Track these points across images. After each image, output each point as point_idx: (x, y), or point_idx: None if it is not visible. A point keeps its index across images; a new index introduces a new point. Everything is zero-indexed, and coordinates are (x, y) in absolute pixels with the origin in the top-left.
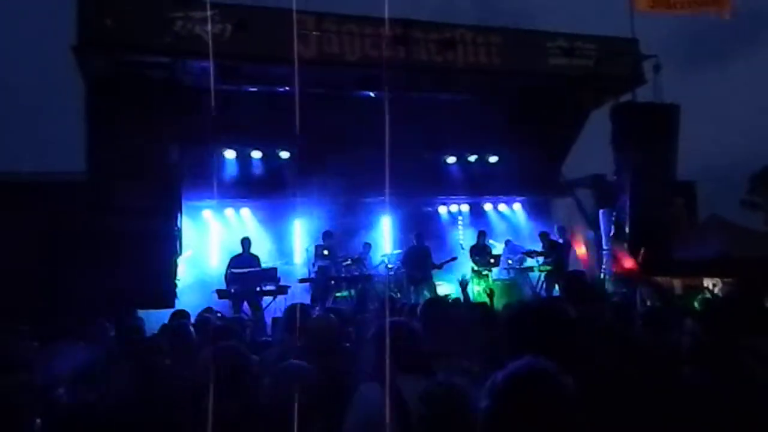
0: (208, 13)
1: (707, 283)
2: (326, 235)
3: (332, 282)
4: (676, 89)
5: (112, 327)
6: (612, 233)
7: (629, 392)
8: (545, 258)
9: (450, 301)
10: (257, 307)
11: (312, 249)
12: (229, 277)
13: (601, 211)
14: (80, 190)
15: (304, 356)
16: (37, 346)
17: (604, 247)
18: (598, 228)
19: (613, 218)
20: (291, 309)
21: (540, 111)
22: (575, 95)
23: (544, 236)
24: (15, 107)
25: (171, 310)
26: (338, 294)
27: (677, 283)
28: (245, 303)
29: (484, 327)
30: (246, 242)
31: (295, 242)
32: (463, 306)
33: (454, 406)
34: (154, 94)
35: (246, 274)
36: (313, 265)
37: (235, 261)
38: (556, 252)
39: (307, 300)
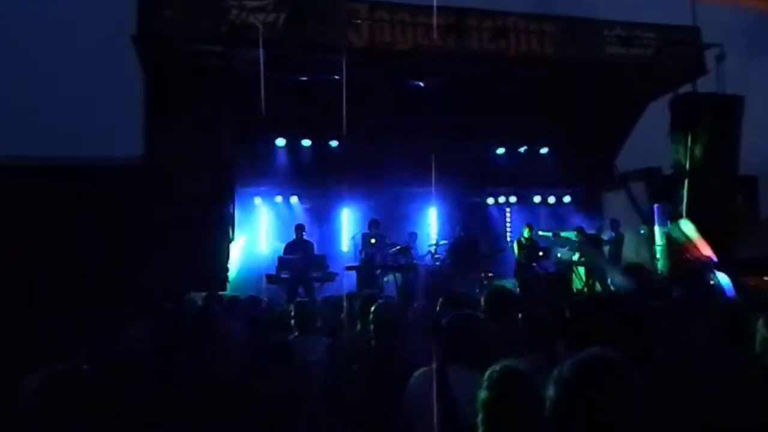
0: (263, 2)
1: None
2: (372, 223)
3: (378, 270)
4: (740, 79)
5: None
6: (668, 227)
7: (692, 389)
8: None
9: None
10: (311, 292)
11: (359, 237)
12: (281, 263)
13: (655, 205)
14: (138, 177)
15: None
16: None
17: (658, 242)
18: (653, 223)
19: (670, 213)
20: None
21: (595, 102)
22: (633, 86)
23: (579, 230)
24: (74, 94)
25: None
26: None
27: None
28: (300, 288)
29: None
30: (300, 229)
31: (343, 230)
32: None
33: (519, 389)
34: (209, 83)
35: (296, 260)
36: (360, 252)
37: (290, 247)
38: (592, 244)
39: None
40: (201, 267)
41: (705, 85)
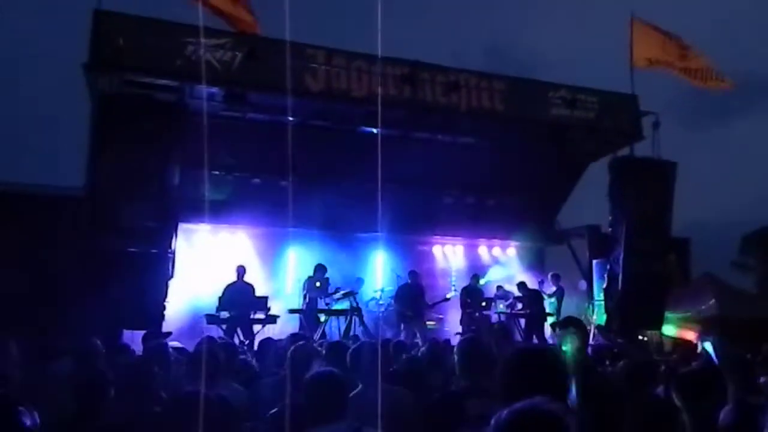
0: (221, 40)
1: (694, 338)
2: (319, 268)
3: (321, 314)
4: (674, 145)
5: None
6: (605, 285)
7: None
8: (525, 305)
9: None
10: (249, 334)
11: (305, 280)
12: (222, 304)
13: (594, 261)
14: (78, 207)
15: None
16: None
17: (596, 298)
18: (591, 278)
19: (607, 270)
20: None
21: (539, 159)
22: (575, 146)
23: (521, 285)
24: (20, 119)
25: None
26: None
27: (668, 341)
28: (238, 329)
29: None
30: (241, 270)
31: (288, 271)
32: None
33: None
34: (159, 116)
35: (236, 301)
36: (305, 296)
37: (229, 289)
38: (533, 299)
39: (296, 330)
40: (138, 303)
41: (642, 149)
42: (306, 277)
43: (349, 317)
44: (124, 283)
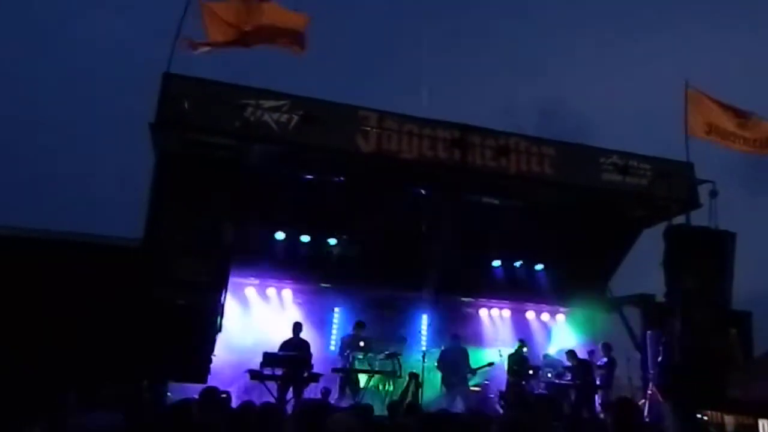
0: (279, 103)
1: (763, 424)
2: (358, 325)
3: (367, 374)
4: (735, 210)
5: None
6: (660, 358)
7: None
8: (573, 376)
9: None
10: (300, 393)
11: (347, 338)
12: (266, 359)
13: (648, 332)
14: (134, 258)
15: None
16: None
17: (650, 370)
18: (645, 349)
19: (662, 342)
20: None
21: (590, 224)
22: (628, 212)
23: (570, 354)
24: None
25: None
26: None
27: (730, 420)
28: (281, 386)
29: None
30: (297, 327)
31: (333, 329)
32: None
33: None
34: (216, 174)
35: (284, 358)
36: (345, 354)
37: (285, 346)
38: (582, 371)
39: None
40: (186, 356)
41: (698, 217)
42: (346, 334)
43: (411, 381)
44: (174, 335)
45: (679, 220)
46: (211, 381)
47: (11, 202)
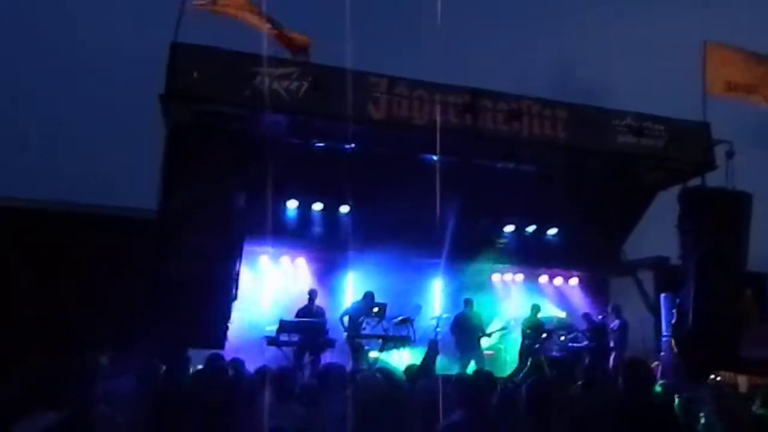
0: (288, 70)
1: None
2: (367, 296)
3: (380, 341)
4: (750, 174)
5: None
6: (674, 320)
7: None
8: (589, 340)
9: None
10: (317, 358)
11: (357, 306)
12: (282, 326)
13: (663, 295)
14: (149, 229)
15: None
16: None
17: (664, 333)
18: (659, 313)
19: (677, 305)
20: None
21: (604, 188)
22: (642, 175)
23: (585, 317)
24: (101, 147)
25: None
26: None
27: (742, 381)
28: (297, 352)
29: None
30: (312, 294)
31: (347, 297)
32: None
33: None
34: (227, 144)
35: (300, 324)
36: (360, 321)
37: (301, 312)
38: (597, 334)
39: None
40: (201, 324)
41: (714, 178)
42: (356, 303)
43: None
44: (190, 303)
45: (695, 182)
46: (228, 348)
47: (29, 175)
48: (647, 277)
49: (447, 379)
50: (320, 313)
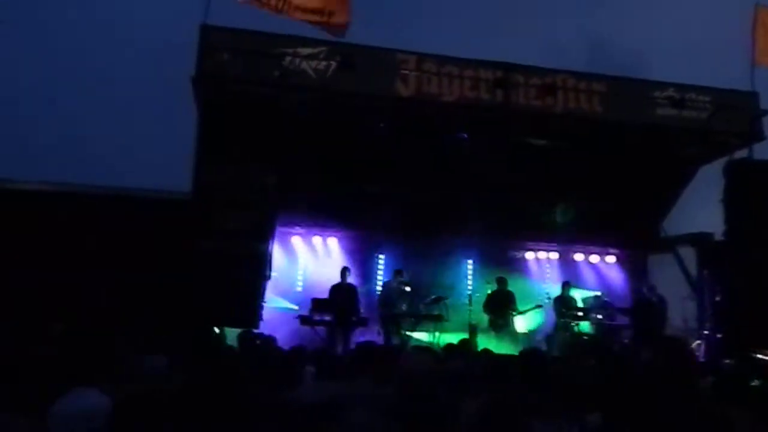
0: (316, 50)
1: None
2: (397, 273)
3: (413, 319)
4: None
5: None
6: (717, 298)
7: None
8: (633, 317)
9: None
10: (349, 336)
11: (389, 284)
12: (315, 305)
13: (704, 272)
14: (183, 210)
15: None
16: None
17: (707, 310)
18: (701, 290)
19: (720, 281)
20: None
21: (643, 162)
22: (684, 149)
23: (637, 294)
24: (131, 130)
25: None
26: (416, 333)
27: None
28: (330, 331)
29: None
30: (345, 272)
31: (378, 276)
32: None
33: None
34: (258, 125)
35: (332, 303)
36: (392, 300)
37: (335, 290)
38: (645, 311)
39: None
40: (235, 303)
41: (762, 151)
42: (386, 281)
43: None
44: (224, 282)
45: (742, 154)
46: (262, 327)
47: (63, 159)
48: (688, 254)
49: (488, 357)
50: (352, 290)
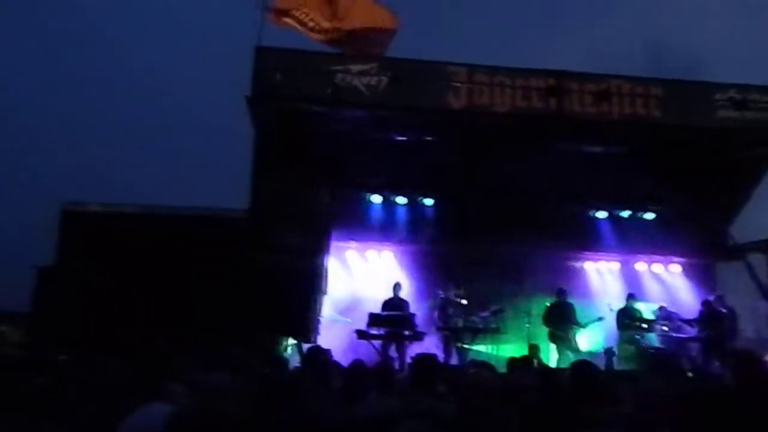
0: (367, 66)
1: None
2: (458, 285)
3: (471, 333)
4: None
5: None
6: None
7: None
8: (702, 329)
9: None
10: (402, 350)
11: (445, 298)
12: (372, 319)
13: None
14: (241, 228)
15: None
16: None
17: None
18: None
19: None
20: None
21: (706, 166)
22: (748, 151)
23: (706, 304)
24: (189, 151)
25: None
26: (475, 346)
27: None
28: (387, 345)
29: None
30: (397, 286)
31: (433, 289)
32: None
33: None
34: (312, 141)
35: (387, 318)
36: (450, 314)
37: (387, 305)
38: (715, 323)
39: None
40: (292, 318)
41: None
42: (444, 294)
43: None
44: (281, 298)
45: None
46: (319, 340)
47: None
48: (760, 262)
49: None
50: (404, 305)
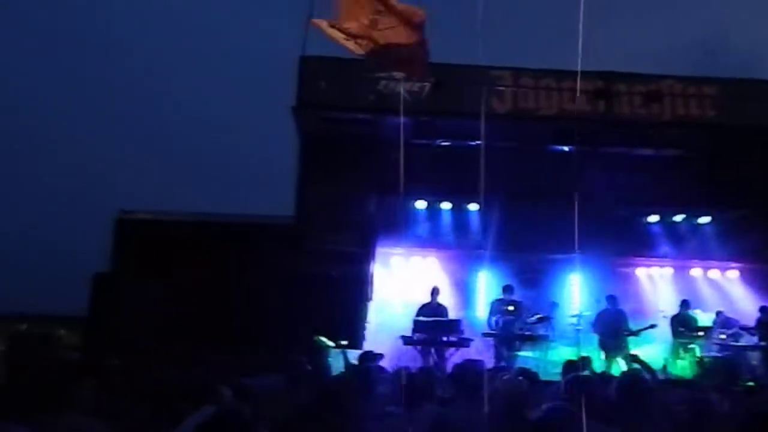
0: None
1: None
2: (506, 289)
3: (519, 339)
4: None
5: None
6: None
7: None
8: (762, 337)
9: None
10: (442, 358)
11: (493, 302)
12: (417, 325)
13: None
14: (288, 235)
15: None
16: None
17: None
18: None
19: None
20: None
21: (763, 168)
22: None
23: (764, 311)
24: (236, 160)
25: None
26: (523, 352)
27: None
28: (432, 351)
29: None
30: (435, 291)
31: (479, 295)
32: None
33: None
34: (356, 149)
35: (430, 323)
36: (495, 320)
37: (423, 309)
38: None
39: (487, 354)
40: (340, 323)
41: None
42: (494, 299)
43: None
44: (328, 303)
45: None
46: (366, 346)
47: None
48: None
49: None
50: (443, 310)
